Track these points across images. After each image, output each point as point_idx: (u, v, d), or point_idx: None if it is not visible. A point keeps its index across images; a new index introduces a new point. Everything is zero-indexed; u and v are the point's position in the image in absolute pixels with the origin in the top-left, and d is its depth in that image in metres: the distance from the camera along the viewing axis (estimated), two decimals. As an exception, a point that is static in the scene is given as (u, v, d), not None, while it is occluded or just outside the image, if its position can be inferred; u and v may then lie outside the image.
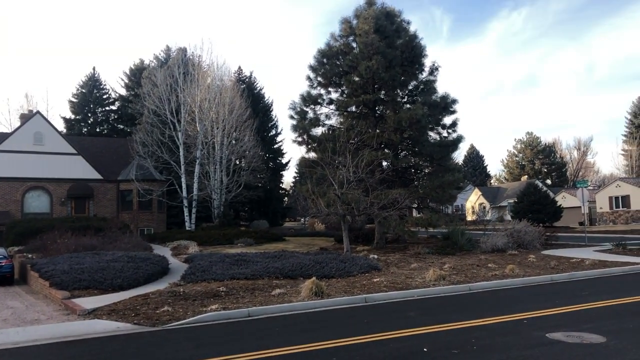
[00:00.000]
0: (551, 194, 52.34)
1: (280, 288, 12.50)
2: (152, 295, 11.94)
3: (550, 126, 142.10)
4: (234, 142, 38.40)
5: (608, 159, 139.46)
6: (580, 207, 36.62)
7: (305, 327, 8.94)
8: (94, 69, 56.35)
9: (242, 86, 45.77)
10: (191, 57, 37.27)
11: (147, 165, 34.70)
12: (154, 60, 47.84)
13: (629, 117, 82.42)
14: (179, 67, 34.97)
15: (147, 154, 34.31)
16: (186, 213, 34.52)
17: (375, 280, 13.89)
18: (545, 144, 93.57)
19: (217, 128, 36.12)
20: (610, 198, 53.82)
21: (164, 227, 35.62)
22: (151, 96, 34.68)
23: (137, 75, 48.86)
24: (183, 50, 38.20)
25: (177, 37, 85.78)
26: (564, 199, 55.57)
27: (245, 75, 54.20)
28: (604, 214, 54.48)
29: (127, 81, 53.12)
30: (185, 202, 34.49)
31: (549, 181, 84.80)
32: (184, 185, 34.36)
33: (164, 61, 43.44)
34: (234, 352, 7.12)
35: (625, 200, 52.14)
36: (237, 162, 40.16)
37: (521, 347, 6.94)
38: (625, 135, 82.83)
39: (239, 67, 55.02)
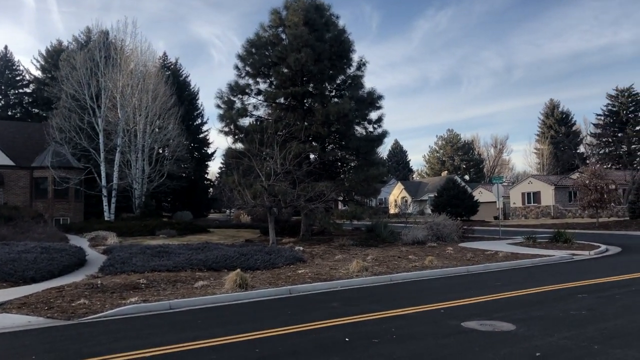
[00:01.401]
0: (469, 189, 54.83)
1: (203, 280, 12.33)
2: (67, 287, 11.41)
3: (470, 124, 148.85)
4: (157, 130, 37.34)
5: (522, 156, 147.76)
6: (495, 202, 38.56)
7: (228, 319, 8.87)
8: (5, 47, 52.69)
9: (167, 73, 44.54)
10: (114, 40, 35.77)
11: (64, 152, 33.03)
12: (73, 42, 45.61)
13: (541, 117, 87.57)
14: (100, 50, 33.43)
15: (64, 140, 32.66)
16: (105, 203, 33.22)
17: (300, 271, 13.99)
18: (465, 141, 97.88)
19: (140, 115, 34.99)
20: (523, 194, 57.03)
21: (82, 217, 34.08)
22: (70, 80, 33.00)
23: (54, 57, 46.43)
24: (105, 33, 36.55)
25: (100, 19, 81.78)
26: (481, 194, 58.33)
27: (170, 62, 52.86)
28: (517, 208, 57.64)
29: (43, 63, 50.32)
30: (104, 192, 33.18)
31: (467, 177, 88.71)
32: (103, 174, 33.03)
33: (84, 43, 41.53)
34: (154, 345, 6.96)
35: (537, 196, 55.44)
36: (160, 151, 39.14)
37: (438, 336, 7.23)
38: (538, 135, 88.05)
39: (164, 53, 53.65)
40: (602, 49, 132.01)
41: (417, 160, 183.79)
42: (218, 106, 26.38)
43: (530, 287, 11.40)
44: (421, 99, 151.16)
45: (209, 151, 54.42)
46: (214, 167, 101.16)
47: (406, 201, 72.45)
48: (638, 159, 53.01)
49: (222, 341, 7.14)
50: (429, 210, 48.55)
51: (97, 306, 9.69)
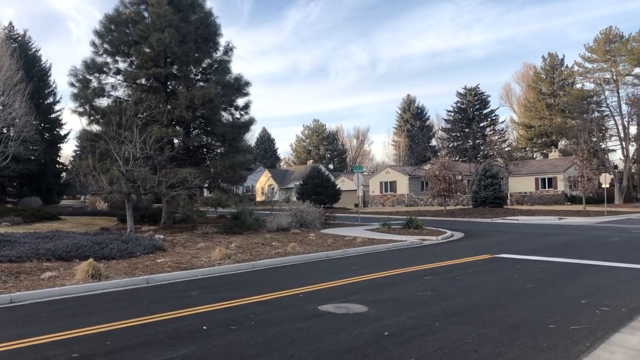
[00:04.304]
0: (332, 178, 56.69)
1: (51, 271, 11.46)
2: None
3: (336, 115, 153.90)
4: (1, 107, 33.82)
5: (381, 148, 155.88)
6: (356, 190, 40.32)
7: (78, 311, 8.35)
8: None
9: (14, 45, 40.42)
10: (-54, 3, 31.67)
11: None
12: None
13: (399, 111, 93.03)
14: None
15: None
16: None
17: (159, 260, 13.57)
18: (330, 131, 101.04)
19: (-20, 90, 31.45)
20: (381, 183, 60.33)
21: None
22: None
23: None
24: None
25: None
26: (343, 183, 60.67)
27: (17, 34, 48.00)
28: (375, 197, 60.80)
29: None
30: None
31: (331, 166, 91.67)
32: None
33: None
34: (-10, 343, 6.35)
35: (393, 185, 58.94)
36: (5, 131, 35.51)
37: (295, 320, 7.44)
38: (395, 128, 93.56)
39: (10, 23, 48.55)
40: (457, 50, 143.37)
41: (284, 148, 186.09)
42: (72, 84, 24.54)
43: (384, 271, 12.12)
44: (291, 88, 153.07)
45: (62, 132, 50.39)
46: (68, 150, 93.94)
47: (273, 189, 73.00)
48: (481, 153, 58.35)
49: (70, 335, 6.71)
50: (294, 198, 49.43)
51: None
